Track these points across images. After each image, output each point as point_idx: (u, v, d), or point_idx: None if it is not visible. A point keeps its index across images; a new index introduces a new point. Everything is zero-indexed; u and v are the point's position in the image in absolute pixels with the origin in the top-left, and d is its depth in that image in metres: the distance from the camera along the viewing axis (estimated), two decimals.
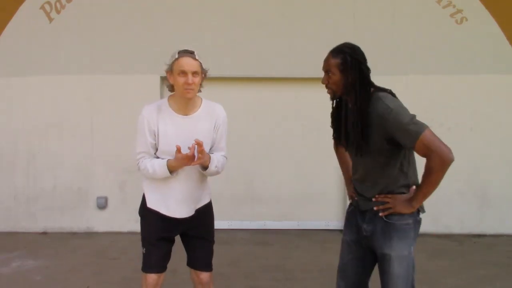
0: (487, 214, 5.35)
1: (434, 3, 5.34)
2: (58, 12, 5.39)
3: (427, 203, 2.03)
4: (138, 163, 2.37)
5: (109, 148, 5.37)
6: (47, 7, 5.38)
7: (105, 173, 5.39)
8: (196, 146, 2.17)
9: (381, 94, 1.99)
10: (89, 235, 5.26)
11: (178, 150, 2.18)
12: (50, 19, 5.39)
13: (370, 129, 1.95)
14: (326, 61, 2.06)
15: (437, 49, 5.35)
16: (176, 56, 2.24)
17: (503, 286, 3.74)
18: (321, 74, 2.10)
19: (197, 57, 2.26)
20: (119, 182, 5.39)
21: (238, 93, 5.47)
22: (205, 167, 2.33)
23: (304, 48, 5.26)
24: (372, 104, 1.96)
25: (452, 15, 5.35)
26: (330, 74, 2.03)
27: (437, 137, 1.87)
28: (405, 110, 1.93)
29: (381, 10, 5.37)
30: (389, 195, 2.04)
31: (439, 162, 1.85)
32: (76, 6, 5.37)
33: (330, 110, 2.22)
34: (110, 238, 5.13)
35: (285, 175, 5.57)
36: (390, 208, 2.02)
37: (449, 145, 1.87)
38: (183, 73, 2.21)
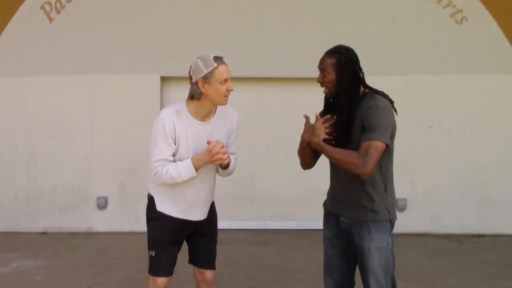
0: (487, 214, 5.34)
1: (434, 3, 5.34)
2: (58, 12, 5.39)
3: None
4: (157, 171, 2.23)
5: (109, 148, 5.37)
6: (47, 7, 5.38)
7: (105, 173, 5.39)
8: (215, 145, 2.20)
9: (376, 95, 2.09)
10: (89, 235, 5.26)
11: (209, 144, 2.19)
12: (50, 19, 5.39)
13: (355, 122, 2.04)
14: (322, 60, 2.15)
15: (437, 49, 5.35)
16: (215, 65, 2.17)
17: (503, 286, 3.74)
18: None
19: None
20: (119, 182, 5.39)
21: (238, 93, 5.44)
22: (225, 166, 2.35)
23: (304, 48, 5.26)
24: (363, 101, 2.06)
25: (452, 15, 5.35)
26: (325, 73, 2.12)
27: (378, 154, 1.98)
28: (388, 114, 2.02)
29: (381, 10, 5.37)
30: None
31: (357, 166, 1.97)
32: (76, 6, 5.37)
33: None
34: (110, 238, 5.13)
35: (285, 175, 5.56)
36: None
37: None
38: (226, 80, 2.21)
